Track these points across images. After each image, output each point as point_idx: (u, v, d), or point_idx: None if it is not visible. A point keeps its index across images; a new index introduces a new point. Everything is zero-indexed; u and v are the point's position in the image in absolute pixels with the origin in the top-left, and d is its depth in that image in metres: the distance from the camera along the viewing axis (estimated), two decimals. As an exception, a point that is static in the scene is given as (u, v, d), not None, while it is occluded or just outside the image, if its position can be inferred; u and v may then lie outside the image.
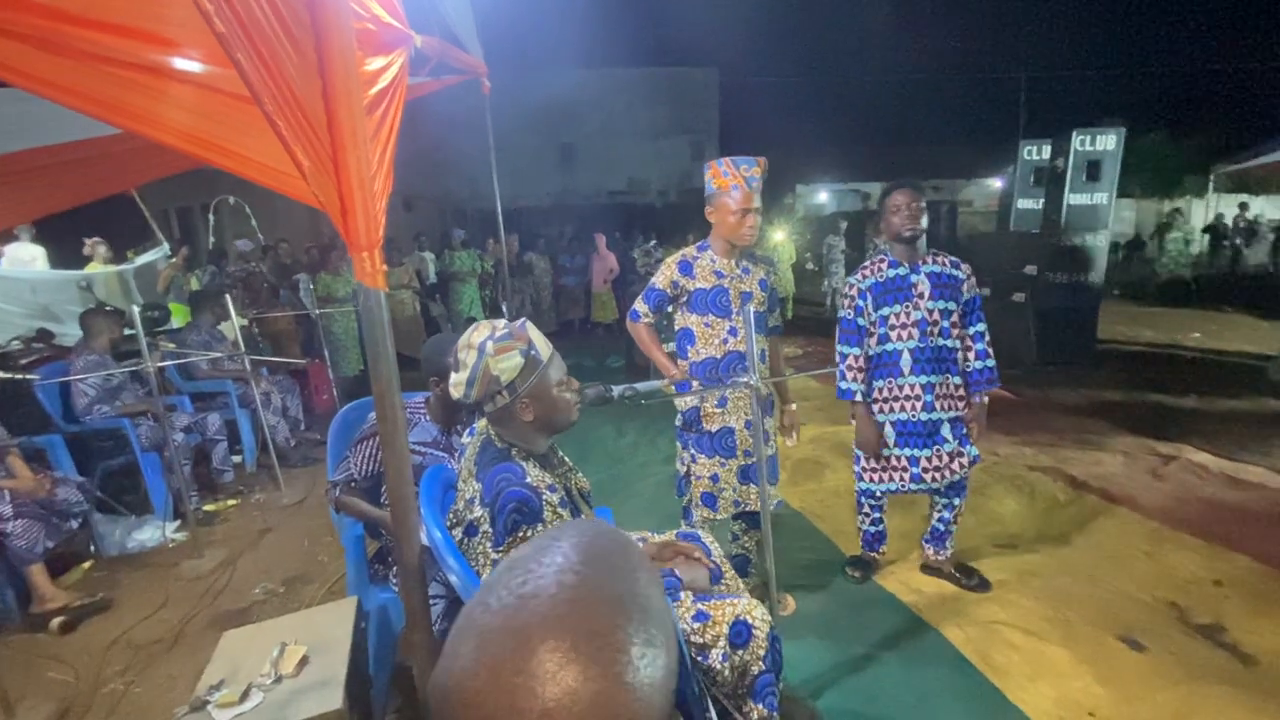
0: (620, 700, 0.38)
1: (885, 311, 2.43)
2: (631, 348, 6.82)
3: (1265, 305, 8.72)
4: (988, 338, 2.47)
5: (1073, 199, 6.03)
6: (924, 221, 2.36)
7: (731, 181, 2.17)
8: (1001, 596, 2.53)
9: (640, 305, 2.38)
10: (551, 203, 16.47)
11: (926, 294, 2.39)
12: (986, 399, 2.50)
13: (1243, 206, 13.22)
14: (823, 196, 21.49)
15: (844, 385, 2.50)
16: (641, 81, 17.65)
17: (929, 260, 2.42)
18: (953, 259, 2.46)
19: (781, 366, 2.55)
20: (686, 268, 2.30)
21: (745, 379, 1.94)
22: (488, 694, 0.37)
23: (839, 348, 2.52)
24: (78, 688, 2.30)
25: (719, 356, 2.28)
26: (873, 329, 2.47)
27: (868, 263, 2.51)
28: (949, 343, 2.42)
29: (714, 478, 2.34)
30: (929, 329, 2.40)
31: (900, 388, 2.45)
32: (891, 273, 2.42)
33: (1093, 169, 5.99)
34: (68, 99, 1.22)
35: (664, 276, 2.33)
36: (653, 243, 9.45)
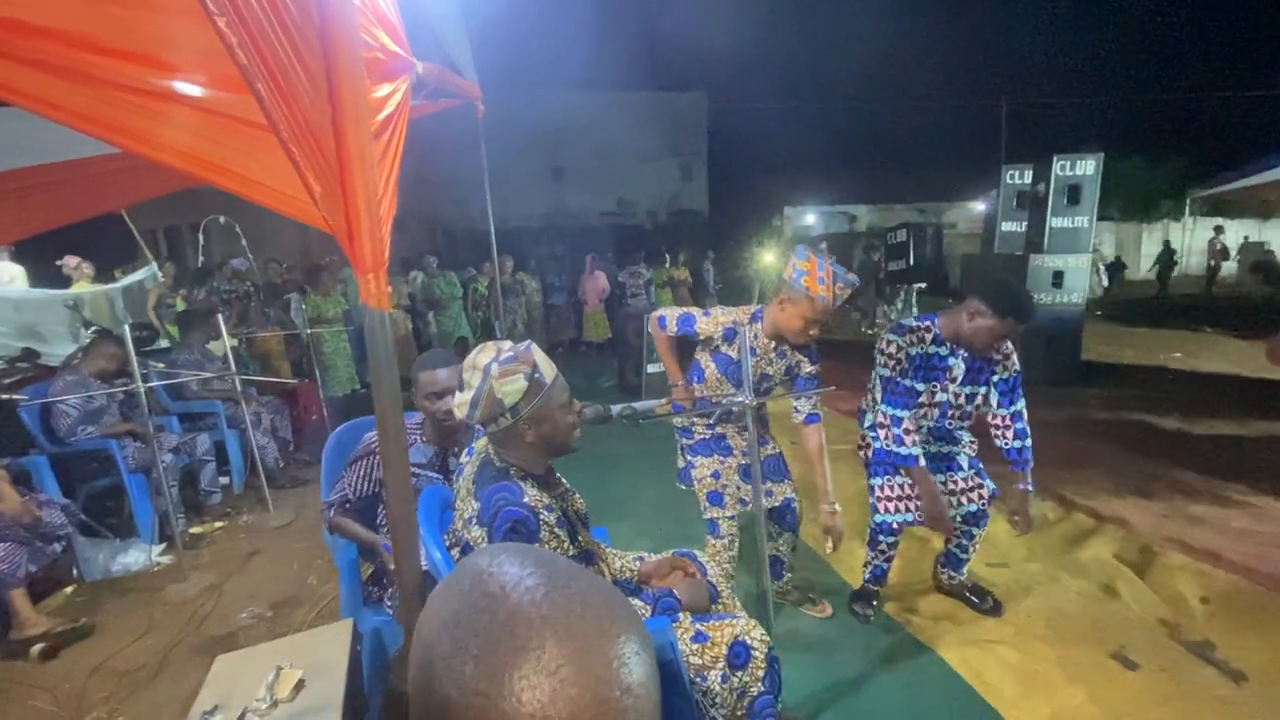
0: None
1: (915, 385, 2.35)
2: (623, 366, 6.84)
3: (1240, 326, 8.92)
4: (1026, 416, 2.37)
5: (1054, 222, 6.18)
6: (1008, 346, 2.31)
7: (823, 291, 2.09)
8: (995, 616, 2.55)
9: (670, 320, 2.34)
10: (542, 223, 16.58)
11: (959, 378, 2.31)
12: (1032, 489, 2.39)
13: (1218, 229, 13.58)
14: (810, 218, 21.78)
15: (904, 451, 2.28)
16: (632, 105, 17.93)
17: None
18: None
19: (824, 461, 2.33)
20: (731, 335, 2.26)
21: (741, 397, 1.95)
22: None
23: (891, 411, 2.30)
24: (59, 716, 2.24)
25: (715, 401, 2.35)
26: None
27: (914, 324, 2.34)
28: (966, 423, 2.43)
29: (715, 474, 2.38)
30: (951, 412, 2.35)
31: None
32: (933, 349, 2.30)
33: (1073, 193, 6.16)
34: (73, 121, 1.24)
35: (707, 327, 2.27)
36: (641, 265, 9.49)
